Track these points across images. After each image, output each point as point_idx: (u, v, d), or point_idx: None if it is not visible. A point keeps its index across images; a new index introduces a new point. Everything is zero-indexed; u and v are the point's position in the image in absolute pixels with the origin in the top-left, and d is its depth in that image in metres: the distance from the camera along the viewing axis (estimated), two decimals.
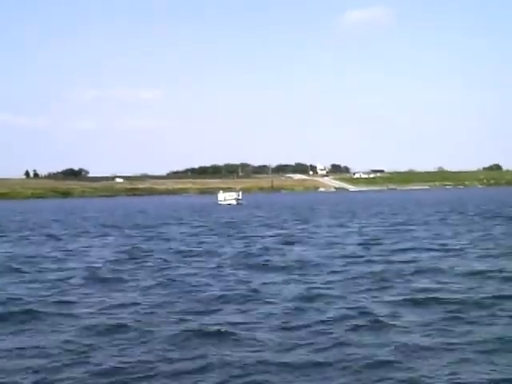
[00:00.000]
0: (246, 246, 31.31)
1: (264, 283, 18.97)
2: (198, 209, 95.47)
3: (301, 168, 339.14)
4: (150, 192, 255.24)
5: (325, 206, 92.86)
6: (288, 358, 11.02)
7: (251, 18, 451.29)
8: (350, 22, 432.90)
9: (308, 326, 13.31)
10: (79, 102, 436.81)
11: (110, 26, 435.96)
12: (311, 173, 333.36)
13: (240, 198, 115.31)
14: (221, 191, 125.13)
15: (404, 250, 27.44)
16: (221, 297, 16.71)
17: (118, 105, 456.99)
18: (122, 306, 15.85)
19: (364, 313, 14.25)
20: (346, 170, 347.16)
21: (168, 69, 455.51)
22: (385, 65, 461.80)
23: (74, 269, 23.53)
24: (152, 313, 14.93)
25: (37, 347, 12.09)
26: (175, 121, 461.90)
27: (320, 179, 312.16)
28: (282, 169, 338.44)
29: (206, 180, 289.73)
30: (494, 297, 15.76)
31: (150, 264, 24.58)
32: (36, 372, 10.60)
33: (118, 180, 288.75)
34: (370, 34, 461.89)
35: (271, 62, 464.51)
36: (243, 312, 14.89)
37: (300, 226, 46.36)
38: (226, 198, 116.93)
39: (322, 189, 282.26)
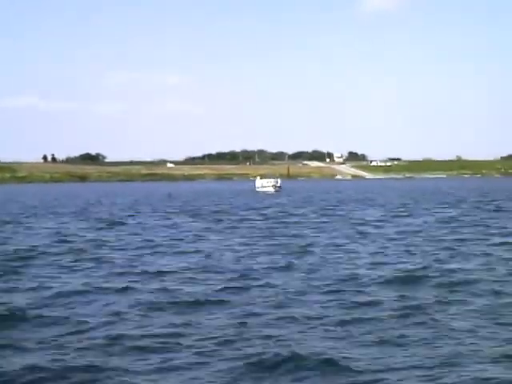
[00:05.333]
0: None
1: None
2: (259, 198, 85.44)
3: (317, 155, 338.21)
4: (167, 177, 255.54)
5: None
6: None
7: (271, 5, 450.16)
8: (368, 10, 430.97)
9: None
10: (102, 87, 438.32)
11: (138, 10, 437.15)
12: (328, 160, 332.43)
13: (278, 184, 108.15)
14: (258, 177, 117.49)
15: None
16: None
17: (139, 90, 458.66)
18: None
19: None
20: (363, 157, 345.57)
21: (190, 56, 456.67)
22: (401, 51, 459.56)
23: None
24: None
25: None
26: (195, 107, 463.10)
27: (337, 167, 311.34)
28: (298, 156, 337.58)
29: (222, 166, 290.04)
30: None
31: None
32: None
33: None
34: (386, 21, 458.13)
35: (288, 47, 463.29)
36: None
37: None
38: (264, 184, 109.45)
39: (338, 176, 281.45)
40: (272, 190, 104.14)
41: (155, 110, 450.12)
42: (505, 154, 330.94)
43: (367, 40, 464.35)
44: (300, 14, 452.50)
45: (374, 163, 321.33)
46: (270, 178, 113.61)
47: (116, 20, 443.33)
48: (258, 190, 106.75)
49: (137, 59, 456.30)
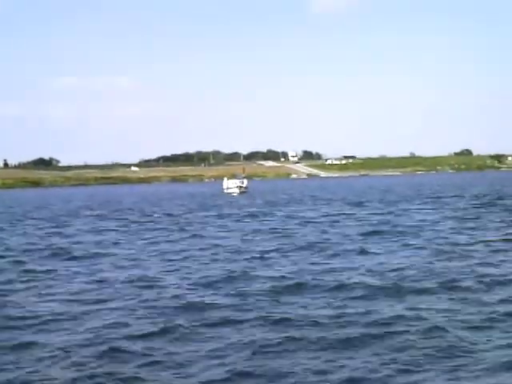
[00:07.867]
0: None
1: None
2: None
3: (272, 155, 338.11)
4: (123, 180, 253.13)
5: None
6: None
7: (221, 6, 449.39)
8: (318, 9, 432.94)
9: None
10: (52, 91, 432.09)
11: (84, 13, 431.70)
12: (283, 159, 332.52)
13: (244, 185, 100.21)
14: (225, 178, 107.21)
15: None
16: None
17: (90, 93, 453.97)
18: None
19: None
20: (318, 156, 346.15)
21: (142, 58, 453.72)
22: (357, 51, 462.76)
23: None
24: None
25: None
26: (148, 109, 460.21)
27: (292, 166, 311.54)
28: (253, 156, 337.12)
29: (177, 168, 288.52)
30: None
31: None
32: None
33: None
34: (338, 20, 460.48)
35: (241, 47, 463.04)
36: None
37: None
38: (229, 185, 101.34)
39: (293, 175, 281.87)
40: (237, 191, 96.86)
41: (106, 113, 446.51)
42: (458, 150, 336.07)
43: (317, 38, 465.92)
44: (248, 15, 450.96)
45: (329, 162, 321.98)
46: (238, 177, 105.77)
47: (65, 23, 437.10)
48: (225, 191, 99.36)
49: (84, 62, 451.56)
